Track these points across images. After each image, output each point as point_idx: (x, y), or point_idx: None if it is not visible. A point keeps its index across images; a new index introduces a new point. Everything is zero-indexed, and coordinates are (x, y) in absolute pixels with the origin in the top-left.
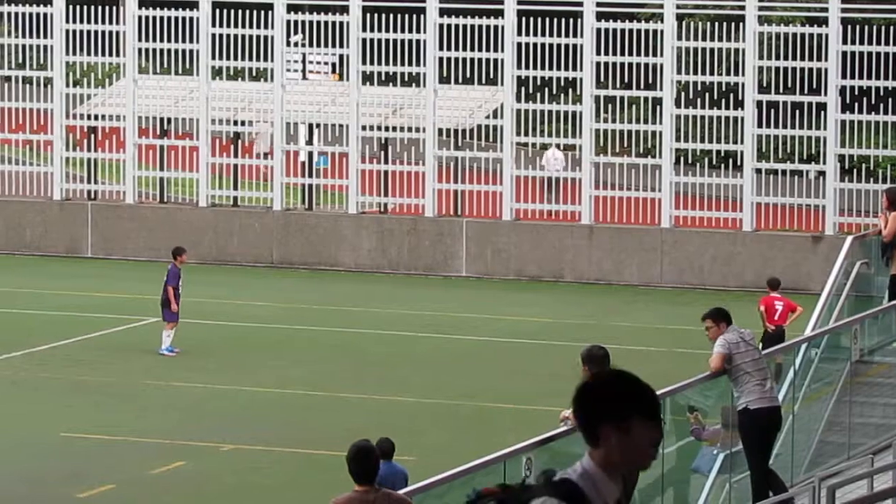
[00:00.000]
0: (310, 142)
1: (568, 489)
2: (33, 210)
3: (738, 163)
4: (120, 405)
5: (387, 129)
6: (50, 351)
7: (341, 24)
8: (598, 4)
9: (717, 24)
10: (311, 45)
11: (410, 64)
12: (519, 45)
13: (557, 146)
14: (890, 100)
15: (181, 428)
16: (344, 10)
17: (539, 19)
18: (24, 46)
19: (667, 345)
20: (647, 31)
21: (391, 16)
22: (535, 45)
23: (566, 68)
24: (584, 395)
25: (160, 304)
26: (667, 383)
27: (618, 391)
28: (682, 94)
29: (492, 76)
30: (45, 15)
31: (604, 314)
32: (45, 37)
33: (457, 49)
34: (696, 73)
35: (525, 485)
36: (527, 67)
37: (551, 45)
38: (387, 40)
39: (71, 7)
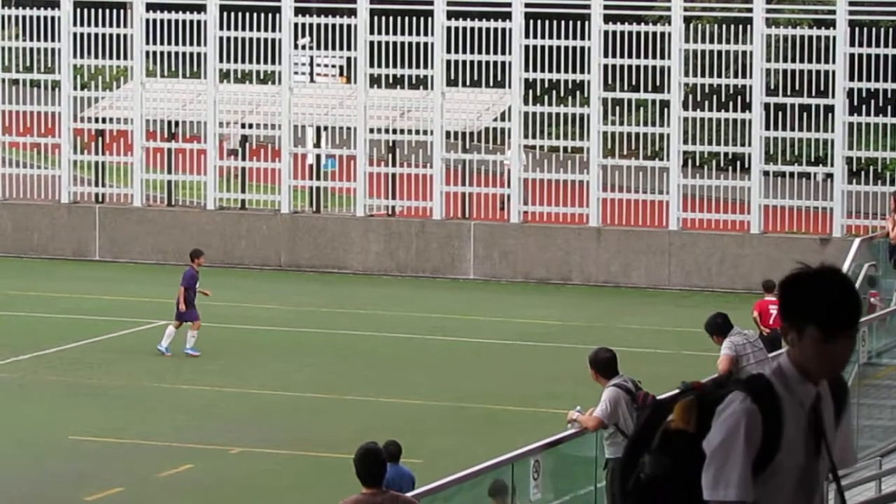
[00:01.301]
0: (317, 144)
1: (758, 384)
2: (41, 213)
3: (746, 165)
4: (128, 408)
5: (394, 131)
6: (58, 354)
7: (349, 26)
8: (606, 7)
9: (724, 26)
10: (318, 47)
11: (418, 66)
12: (526, 47)
13: (520, 146)
14: None
15: (189, 431)
16: (352, 12)
17: (547, 22)
18: (31, 50)
19: (674, 347)
20: (654, 34)
21: (399, 18)
22: (542, 47)
23: (574, 71)
24: (780, 285)
25: (176, 307)
26: (675, 386)
27: (801, 292)
28: (690, 96)
29: (499, 79)
30: (52, 18)
31: (611, 316)
32: (53, 40)
33: (464, 52)
34: (703, 75)
35: (730, 379)
36: (534, 70)
37: (559, 48)
38: (394, 43)
39: (78, 10)
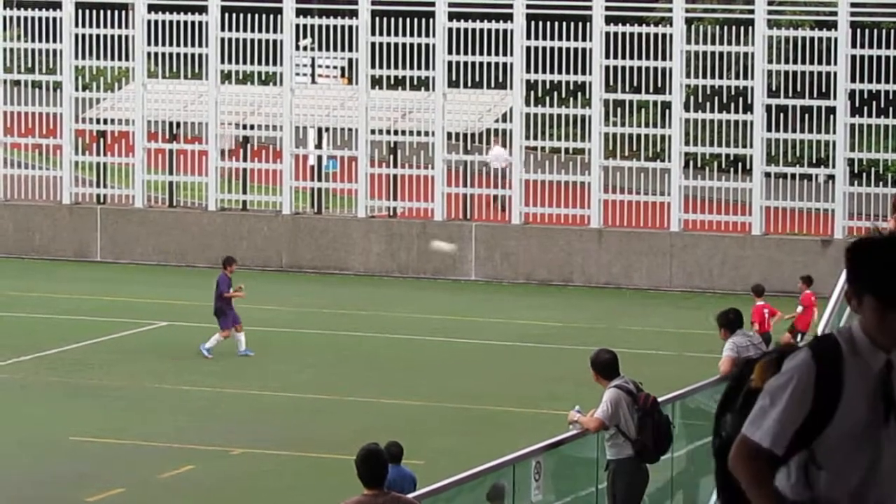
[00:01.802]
0: (319, 146)
1: (825, 344)
2: (42, 214)
3: (748, 166)
4: (129, 409)
5: (396, 132)
6: (59, 354)
7: (350, 27)
8: (607, 8)
9: (725, 27)
10: (320, 48)
11: (420, 68)
12: (528, 48)
13: (501, 144)
14: None
15: (190, 431)
16: (353, 13)
17: (548, 23)
18: (33, 50)
19: (676, 348)
20: (656, 35)
21: (400, 20)
22: (544, 48)
23: (575, 72)
24: (845, 250)
25: (214, 314)
26: (676, 387)
27: (861, 259)
28: (692, 97)
29: (501, 80)
30: (54, 19)
31: (613, 318)
32: (55, 41)
33: (466, 53)
34: (705, 76)
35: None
36: (536, 71)
37: (560, 49)
38: (396, 44)
39: (80, 11)
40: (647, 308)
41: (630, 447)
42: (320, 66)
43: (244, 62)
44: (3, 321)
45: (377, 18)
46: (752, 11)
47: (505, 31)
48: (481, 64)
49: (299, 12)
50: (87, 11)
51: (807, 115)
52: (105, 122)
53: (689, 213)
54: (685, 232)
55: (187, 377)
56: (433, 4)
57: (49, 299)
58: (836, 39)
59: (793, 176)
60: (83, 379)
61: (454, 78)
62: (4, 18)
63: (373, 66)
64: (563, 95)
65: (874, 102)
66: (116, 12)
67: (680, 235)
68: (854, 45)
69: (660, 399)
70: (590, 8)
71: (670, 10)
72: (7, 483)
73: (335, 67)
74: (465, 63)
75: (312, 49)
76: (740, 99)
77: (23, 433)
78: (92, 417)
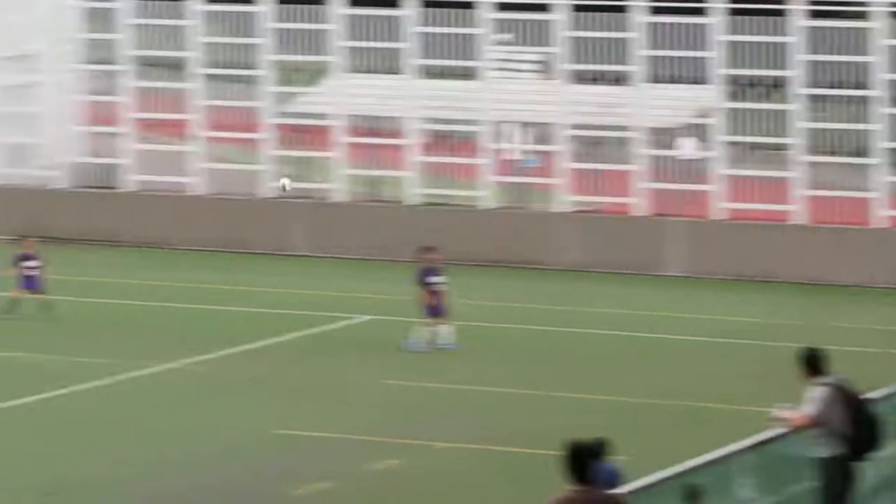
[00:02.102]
0: (518, 141)
1: None
2: (244, 208)
3: None
4: (332, 402)
5: (596, 127)
6: (261, 349)
7: (549, 22)
8: (809, 3)
9: None
10: (519, 43)
11: (619, 62)
12: (728, 43)
13: (690, 137)
14: None
15: (393, 425)
16: (552, 8)
17: (748, 18)
18: (234, 45)
19: (883, 346)
20: (857, 30)
21: (599, 14)
22: (744, 43)
23: (776, 67)
24: None
25: (421, 306)
26: (885, 384)
27: None
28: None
29: (701, 75)
30: (254, 14)
31: (817, 315)
32: (255, 36)
33: (666, 47)
34: None
35: None
36: (736, 66)
37: (760, 44)
38: (595, 39)
39: (280, 6)
40: (851, 305)
41: (839, 445)
42: (519, 62)
43: (443, 57)
44: (208, 315)
45: (576, 13)
46: None
47: (705, 26)
48: (681, 58)
49: (498, 7)
50: (287, 6)
51: None
52: (305, 116)
53: (893, 210)
54: (891, 228)
55: (389, 371)
56: None
57: (252, 293)
58: None
59: None
60: (287, 373)
61: (654, 73)
62: (205, 13)
63: (572, 61)
64: (765, 90)
65: None
66: (315, 7)
67: (886, 232)
68: None
69: (869, 397)
70: (790, 2)
71: (872, 4)
72: (212, 478)
73: (534, 62)
74: (665, 58)
75: (512, 43)
76: None
77: (228, 427)
78: (296, 411)
